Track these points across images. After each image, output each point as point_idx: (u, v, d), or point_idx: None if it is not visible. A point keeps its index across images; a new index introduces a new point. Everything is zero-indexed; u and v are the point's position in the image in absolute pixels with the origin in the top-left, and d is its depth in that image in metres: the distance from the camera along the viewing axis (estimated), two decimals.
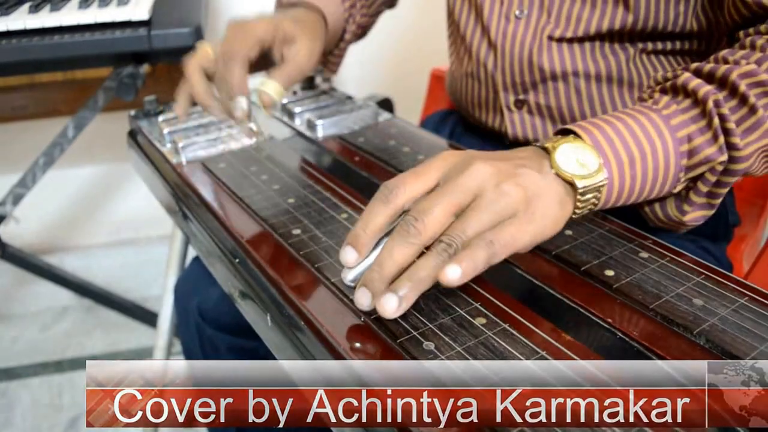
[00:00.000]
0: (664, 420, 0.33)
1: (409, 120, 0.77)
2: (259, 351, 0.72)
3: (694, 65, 0.51)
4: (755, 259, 0.73)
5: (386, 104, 0.93)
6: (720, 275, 0.44)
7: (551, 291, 0.45)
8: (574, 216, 0.46)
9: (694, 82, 0.49)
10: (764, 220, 0.82)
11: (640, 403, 0.34)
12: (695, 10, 0.62)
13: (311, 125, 0.73)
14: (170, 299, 0.92)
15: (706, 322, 0.40)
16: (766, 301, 0.42)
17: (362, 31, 0.85)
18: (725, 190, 0.51)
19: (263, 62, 0.67)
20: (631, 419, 0.33)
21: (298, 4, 0.72)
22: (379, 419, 0.35)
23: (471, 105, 0.76)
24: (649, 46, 0.65)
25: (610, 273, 0.45)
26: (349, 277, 0.43)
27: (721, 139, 0.48)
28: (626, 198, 0.48)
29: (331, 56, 0.81)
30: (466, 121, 0.81)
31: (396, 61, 1.51)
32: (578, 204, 0.45)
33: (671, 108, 0.49)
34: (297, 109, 0.77)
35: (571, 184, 0.44)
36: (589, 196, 0.45)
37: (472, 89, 0.75)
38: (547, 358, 0.37)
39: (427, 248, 0.41)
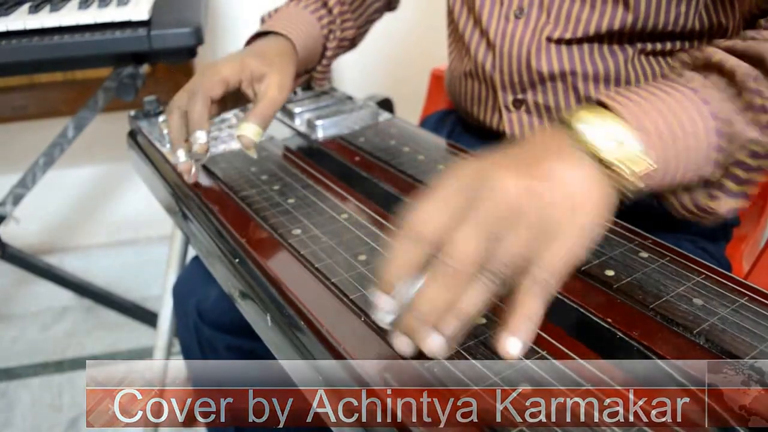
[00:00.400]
0: (663, 420, 0.33)
1: (410, 120, 0.77)
2: (257, 351, 0.72)
3: (722, 42, 0.47)
4: (755, 259, 0.73)
5: (386, 104, 0.93)
6: (720, 275, 0.44)
7: None
8: (619, 205, 0.40)
9: (725, 58, 0.45)
10: (764, 220, 0.82)
11: (640, 402, 0.34)
12: (697, 10, 0.62)
13: (311, 125, 0.73)
14: (170, 299, 0.92)
15: (705, 321, 0.40)
16: (765, 301, 0.42)
17: (350, 43, 0.86)
18: (760, 178, 0.47)
19: (237, 100, 0.68)
20: (631, 419, 0.33)
21: (268, 34, 0.72)
22: (379, 419, 0.35)
23: (470, 105, 0.76)
24: (648, 46, 0.65)
25: (610, 273, 0.45)
26: (386, 320, 0.38)
27: (764, 118, 0.44)
28: (668, 180, 0.44)
29: (316, 73, 0.82)
30: (465, 120, 0.81)
31: (396, 62, 1.51)
32: (626, 192, 0.40)
33: (705, 85, 0.45)
34: (297, 110, 0.77)
35: (609, 167, 0.39)
36: (629, 179, 0.40)
37: (470, 89, 0.75)
38: (547, 358, 0.37)
39: None
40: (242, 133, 0.62)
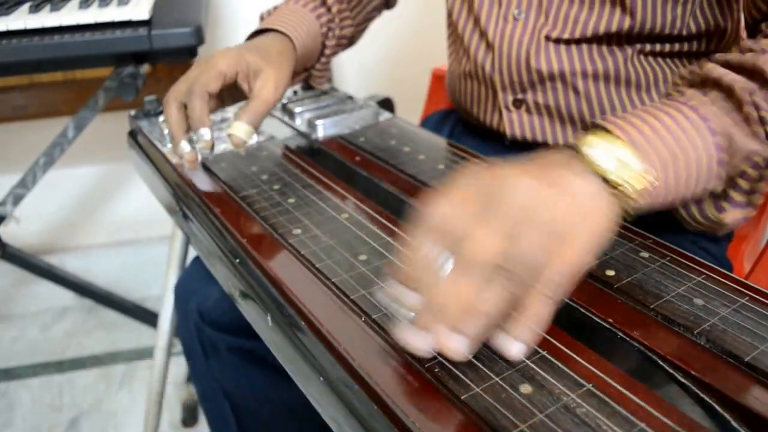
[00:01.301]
0: (664, 420, 0.33)
1: (410, 120, 0.77)
2: (258, 351, 0.72)
3: (721, 56, 0.49)
4: (756, 259, 0.73)
5: (387, 104, 0.93)
6: (721, 275, 0.44)
7: None
8: (621, 221, 0.42)
9: (723, 73, 0.46)
10: (765, 220, 0.82)
11: (641, 402, 0.34)
12: (693, 13, 0.62)
13: (312, 125, 0.73)
14: (171, 299, 0.92)
15: (706, 322, 0.40)
16: (766, 301, 0.42)
17: (348, 41, 0.86)
18: (765, 187, 0.48)
19: (235, 95, 0.68)
20: (632, 419, 0.33)
21: (267, 31, 0.73)
22: (379, 419, 0.35)
23: (470, 105, 0.76)
24: (647, 47, 0.65)
25: (611, 273, 0.45)
26: (409, 315, 0.37)
27: (761, 130, 0.45)
28: (671, 197, 0.45)
29: (314, 71, 0.82)
30: (466, 121, 0.81)
31: (396, 61, 1.51)
32: (624, 207, 0.41)
33: (703, 101, 0.46)
34: (297, 109, 0.77)
35: (615, 188, 0.40)
36: (631, 199, 0.41)
37: (470, 89, 0.75)
38: (547, 358, 0.37)
39: None
40: (233, 132, 0.63)
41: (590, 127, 0.44)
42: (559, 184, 0.38)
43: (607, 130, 0.43)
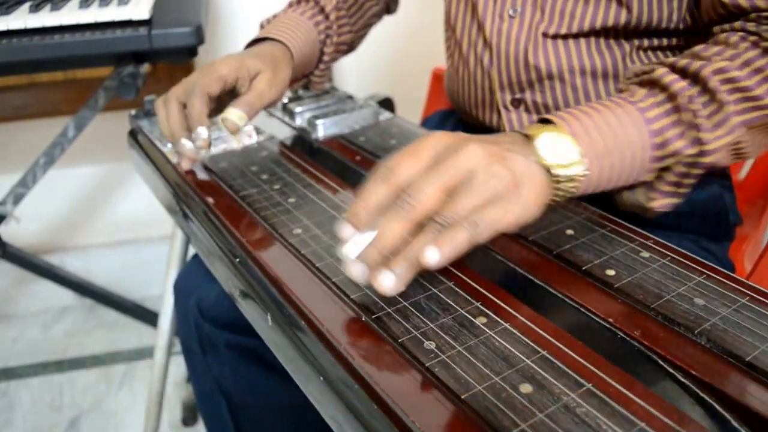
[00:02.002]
0: (664, 419, 0.32)
1: (410, 119, 0.77)
2: (258, 349, 0.72)
3: (670, 60, 0.53)
4: (757, 259, 0.73)
5: (387, 104, 0.93)
6: (721, 275, 0.44)
7: (552, 290, 0.45)
8: (552, 203, 0.47)
9: (669, 77, 0.51)
10: (766, 219, 0.82)
11: (641, 402, 0.34)
12: (689, 7, 0.62)
13: (312, 124, 0.73)
14: (171, 299, 0.92)
15: (707, 321, 0.40)
16: (767, 301, 0.42)
17: (347, 47, 0.88)
18: (691, 181, 0.53)
19: (232, 100, 0.69)
20: (632, 419, 0.32)
21: (266, 39, 0.74)
22: (378, 419, 0.35)
23: (469, 105, 0.76)
24: (645, 42, 0.65)
25: (611, 273, 0.45)
26: (353, 254, 0.43)
27: (691, 133, 0.50)
28: (604, 185, 0.51)
29: (313, 77, 0.84)
30: (466, 120, 0.81)
31: (397, 61, 1.51)
32: (558, 192, 0.47)
33: (647, 101, 0.51)
34: (298, 109, 0.77)
35: (550, 172, 0.46)
36: (568, 185, 0.47)
37: (469, 89, 0.75)
38: (547, 358, 0.37)
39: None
40: (226, 116, 0.64)
41: (539, 120, 0.50)
42: (506, 159, 0.43)
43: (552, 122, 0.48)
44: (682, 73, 0.51)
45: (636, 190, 0.55)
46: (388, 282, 0.41)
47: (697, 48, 0.53)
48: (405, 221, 0.41)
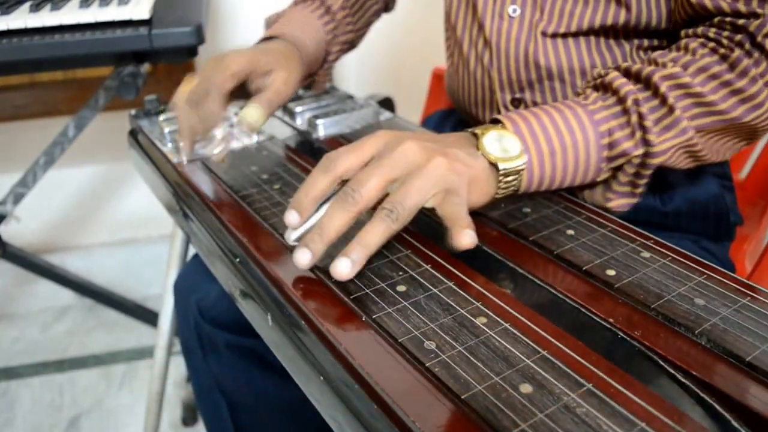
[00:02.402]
0: (664, 419, 0.32)
1: (411, 119, 0.77)
2: (258, 349, 0.72)
3: (625, 65, 0.55)
4: (758, 259, 0.73)
5: (387, 103, 0.93)
6: (721, 275, 0.44)
7: (552, 291, 0.45)
8: (497, 196, 0.51)
9: (619, 81, 0.53)
10: (767, 219, 0.82)
11: (641, 402, 0.34)
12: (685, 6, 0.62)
13: (312, 124, 0.73)
14: (171, 298, 0.92)
15: (707, 321, 0.40)
16: (767, 301, 0.42)
17: (349, 46, 0.87)
18: (644, 181, 0.54)
19: (240, 94, 0.68)
20: (632, 418, 0.32)
21: (276, 37, 0.74)
22: (378, 419, 0.35)
23: (469, 104, 0.76)
24: (645, 42, 0.65)
25: (611, 273, 0.45)
26: (292, 237, 0.47)
27: (638, 134, 0.52)
28: (549, 184, 0.53)
29: (317, 76, 0.83)
30: (467, 120, 0.81)
31: (397, 61, 1.51)
32: (501, 184, 0.50)
33: (597, 104, 0.53)
34: (298, 109, 0.77)
35: (494, 165, 0.49)
36: (510, 178, 0.50)
37: (469, 89, 0.75)
38: (548, 358, 0.37)
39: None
40: (245, 114, 0.63)
41: (491, 120, 0.53)
42: (446, 153, 0.47)
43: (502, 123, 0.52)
44: (635, 77, 0.54)
45: (595, 189, 0.57)
46: (345, 267, 0.44)
47: (656, 54, 0.55)
48: (349, 213, 0.44)
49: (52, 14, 0.91)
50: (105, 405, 1.32)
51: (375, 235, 0.44)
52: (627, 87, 0.53)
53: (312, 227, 0.46)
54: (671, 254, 0.47)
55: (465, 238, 0.44)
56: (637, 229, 0.51)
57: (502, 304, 0.42)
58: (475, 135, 0.51)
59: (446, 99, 0.99)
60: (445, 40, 0.81)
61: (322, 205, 0.47)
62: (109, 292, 1.43)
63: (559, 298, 0.44)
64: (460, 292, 0.43)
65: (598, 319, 0.42)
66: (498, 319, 0.41)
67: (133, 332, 1.51)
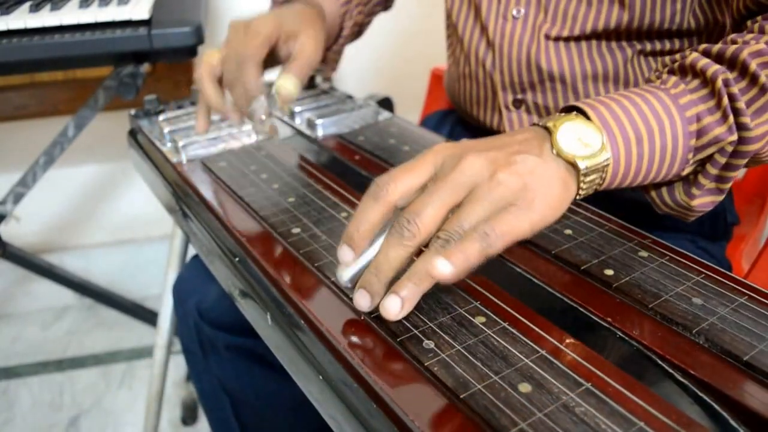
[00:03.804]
0: (664, 419, 0.33)
1: (410, 119, 0.77)
2: (257, 350, 0.73)
3: (703, 45, 0.49)
4: (755, 258, 0.73)
5: (386, 103, 0.93)
6: (719, 274, 0.44)
7: (551, 290, 0.45)
8: (578, 197, 0.44)
9: (703, 62, 0.47)
10: (764, 219, 0.82)
11: (640, 402, 0.34)
12: (692, 8, 0.62)
13: (311, 124, 0.73)
14: (170, 298, 0.92)
15: (705, 321, 0.40)
16: (765, 301, 0.42)
17: (359, 29, 0.86)
18: (735, 174, 0.49)
19: (270, 60, 0.67)
20: (631, 418, 0.33)
21: (294, 1, 0.72)
22: (378, 419, 0.35)
23: (469, 105, 0.76)
24: (648, 46, 0.65)
25: (609, 272, 0.45)
26: (345, 277, 0.43)
27: (731, 118, 0.46)
28: (632, 178, 0.47)
29: (329, 53, 0.82)
30: (466, 120, 0.81)
31: (396, 61, 1.51)
32: (582, 185, 0.44)
33: (679, 87, 0.48)
34: (297, 109, 0.77)
35: (573, 165, 0.43)
36: (593, 176, 0.44)
37: (470, 89, 0.75)
38: (546, 357, 0.37)
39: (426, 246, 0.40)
40: (283, 83, 0.61)
41: (562, 109, 0.46)
42: (512, 164, 0.40)
43: (581, 111, 0.45)
44: (718, 57, 0.48)
45: (674, 187, 0.51)
46: (395, 307, 0.39)
47: (731, 35, 0.50)
48: (405, 248, 0.39)
49: (52, 14, 0.91)
50: (104, 404, 1.32)
51: (427, 266, 0.38)
52: (713, 67, 0.46)
53: (367, 266, 0.41)
54: (669, 254, 0.47)
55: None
56: (634, 228, 0.51)
57: (500, 303, 0.42)
58: (548, 129, 0.44)
59: (445, 99, 0.99)
60: (446, 38, 0.81)
61: (378, 235, 0.42)
62: (108, 291, 1.43)
63: (558, 298, 0.44)
64: (459, 291, 0.44)
65: (597, 319, 0.42)
66: (497, 318, 0.41)
67: (132, 332, 1.51)
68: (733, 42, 0.49)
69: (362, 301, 0.40)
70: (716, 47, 0.48)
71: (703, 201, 0.50)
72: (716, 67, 0.47)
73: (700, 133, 0.47)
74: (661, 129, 0.46)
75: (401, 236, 0.39)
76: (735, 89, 0.46)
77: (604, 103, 0.45)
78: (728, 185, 0.50)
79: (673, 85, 0.48)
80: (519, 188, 0.40)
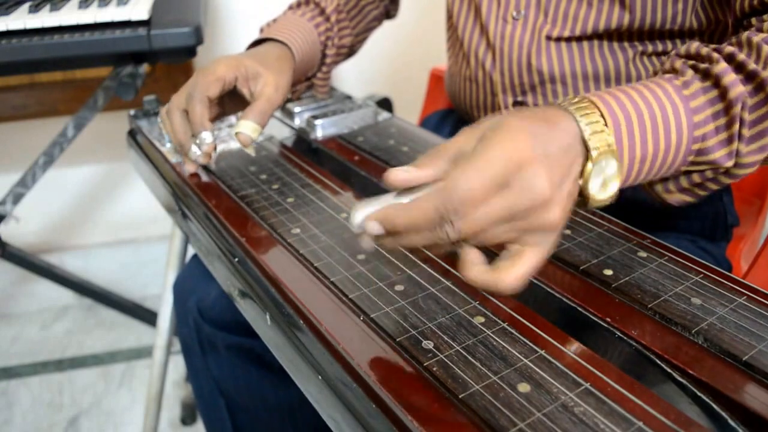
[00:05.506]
0: (663, 419, 0.33)
1: (409, 120, 0.77)
2: (257, 349, 0.73)
3: (729, 50, 0.48)
4: (754, 258, 0.73)
5: (385, 104, 0.93)
6: (718, 274, 0.45)
7: (550, 290, 0.45)
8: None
9: (732, 83, 0.46)
10: (762, 219, 0.82)
11: (640, 401, 0.34)
12: (694, 8, 0.61)
13: (311, 125, 0.73)
14: (170, 298, 0.92)
15: (704, 321, 0.40)
16: (764, 301, 0.42)
17: (348, 51, 0.87)
18: (717, 187, 0.50)
19: (236, 103, 0.68)
20: (631, 418, 0.33)
21: (265, 41, 0.73)
22: (377, 418, 0.35)
23: (470, 106, 0.76)
24: (649, 47, 0.65)
25: (608, 272, 0.45)
26: (358, 218, 0.40)
27: (734, 145, 0.46)
28: (635, 173, 0.46)
29: (316, 80, 0.83)
30: (466, 121, 0.81)
31: (395, 61, 1.51)
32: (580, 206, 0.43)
33: (699, 100, 0.47)
34: (297, 109, 0.77)
35: (584, 199, 0.42)
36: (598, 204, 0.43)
37: (470, 91, 0.75)
38: (545, 357, 0.37)
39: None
40: (240, 130, 0.63)
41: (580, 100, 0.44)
42: (569, 196, 0.40)
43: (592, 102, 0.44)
44: (740, 68, 0.47)
45: (654, 181, 0.52)
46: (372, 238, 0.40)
47: (749, 35, 0.48)
48: (435, 240, 0.38)
49: (52, 15, 0.91)
50: (104, 404, 1.32)
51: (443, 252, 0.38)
52: (733, 84, 0.46)
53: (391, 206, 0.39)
54: (668, 254, 0.47)
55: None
56: (634, 228, 0.51)
57: (499, 303, 0.42)
58: (586, 146, 0.41)
59: (445, 99, 1.00)
60: (447, 39, 0.81)
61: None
62: (108, 291, 1.43)
63: (557, 298, 0.44)
64: (458, 291, 0.44)
65: (596, 319, 0.42)
66: (496, 318, 0.41)
67: (132, 332, 1.51)
68: (758, 51, 0.47)
69: (367, 244, 0.41)
70: (741, 57, 0.47)
71: (679, 197, 0.51)
72: (736, 82, 0.46)
73: (700, 151, 0.47)
74: (666, 146, 0.46)
75: (440, 230, 0.38)
76: (746, 112, 0.46)
77: (630, 126, 0.44)
78: (704, 192, 0.51)
79: (692, 95, 0.47)
80: (560, 223, 0.39)
